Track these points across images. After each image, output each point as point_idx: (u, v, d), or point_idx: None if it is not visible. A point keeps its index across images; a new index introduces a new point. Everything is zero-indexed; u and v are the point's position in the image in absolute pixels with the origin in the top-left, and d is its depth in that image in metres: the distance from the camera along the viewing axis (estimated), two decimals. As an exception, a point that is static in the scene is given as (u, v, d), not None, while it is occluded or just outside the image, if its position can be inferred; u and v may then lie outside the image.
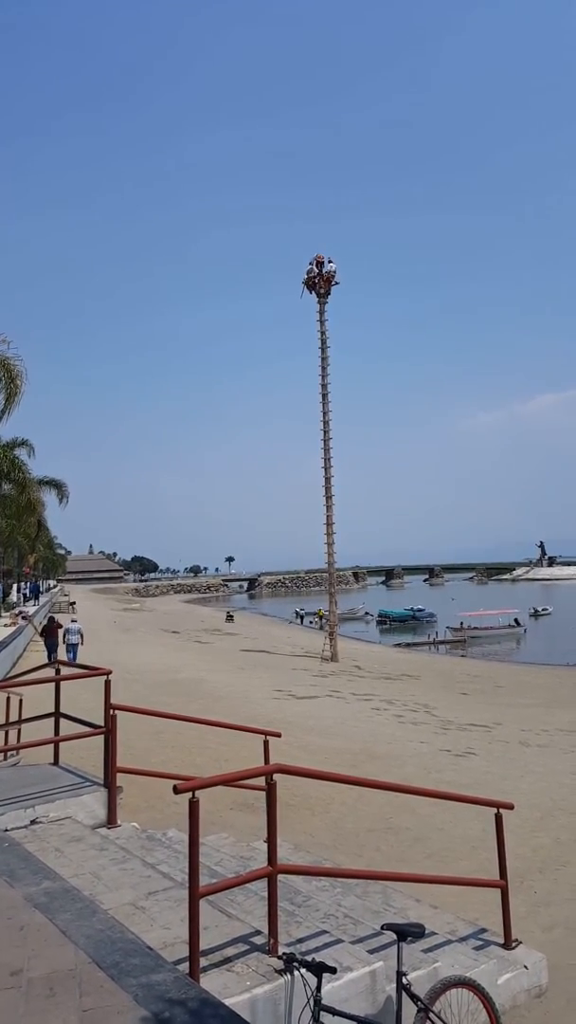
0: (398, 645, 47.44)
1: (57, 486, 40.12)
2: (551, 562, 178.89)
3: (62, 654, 24.79)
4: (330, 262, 36.13)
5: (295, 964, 3.72)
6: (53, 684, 8.01)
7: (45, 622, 28.16)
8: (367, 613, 72.51)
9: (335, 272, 36.19)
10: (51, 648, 25.20)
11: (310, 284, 36.14)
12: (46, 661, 17.29)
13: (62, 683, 8.02)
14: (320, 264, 36.05)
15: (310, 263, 36.30)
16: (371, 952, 4.40)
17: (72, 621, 27.82)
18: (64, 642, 25.90)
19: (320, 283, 35.86)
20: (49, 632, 25.80)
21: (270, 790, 4.18)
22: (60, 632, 26.13)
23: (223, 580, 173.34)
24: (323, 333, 35.76)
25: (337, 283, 36.37)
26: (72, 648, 25.74)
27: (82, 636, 26.66)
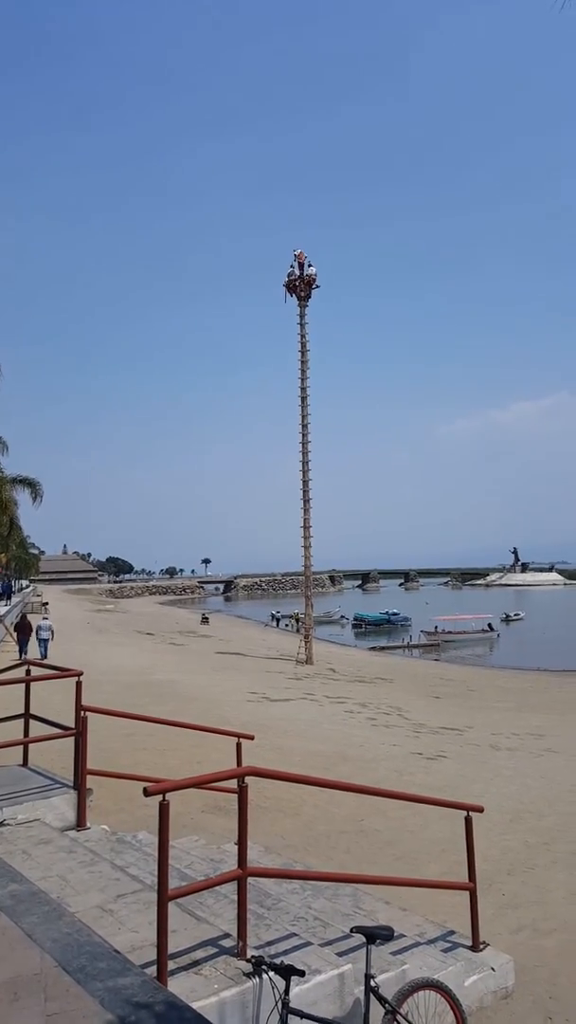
0: (373, 648, 47.64)
1: (31, 485, 39.67)
2: (524, 568, 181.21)
3: (34, 651, 26.29)
4: (310, 265, 36.21)
5: (264, 967, 3.71)
6: (23, 685, 7.93)
7: (18, 619, 29.94)
8: (343, 616, 72.73)
9: (315, 275, 36.27)
10: (22, 644, 26.86)
11: (291, 287, 36.15)
12: (17, 659, 18.29)
13: (33, 684, 7.95)
14: (301, 265, 36.09)
15: (291, 265, 36.36)
16: (340, 955, 4.41)
17: (44, 619, 29.10)
18: (37, 638, 27.40)
19: (301, 286, 35.91)
20: (21, 629, 27.37)
21: (242, 793, 4.17)
22: (33, 630, 27.61)
23: (199, 582, 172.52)
24: (303, 337, 35.80)
25: (318, 286, 36.44)
26: (43, 643, 27.38)
27: (52, 632, 28.23)
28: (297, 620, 64.57)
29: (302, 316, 35.89)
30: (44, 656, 25.65)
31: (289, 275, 36.19)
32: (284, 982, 3.57)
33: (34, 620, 30.14)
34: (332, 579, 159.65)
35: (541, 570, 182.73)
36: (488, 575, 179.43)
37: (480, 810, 6.15)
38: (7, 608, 44.00)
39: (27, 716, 7.90)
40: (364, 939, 4.13)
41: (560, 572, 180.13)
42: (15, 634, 27.75)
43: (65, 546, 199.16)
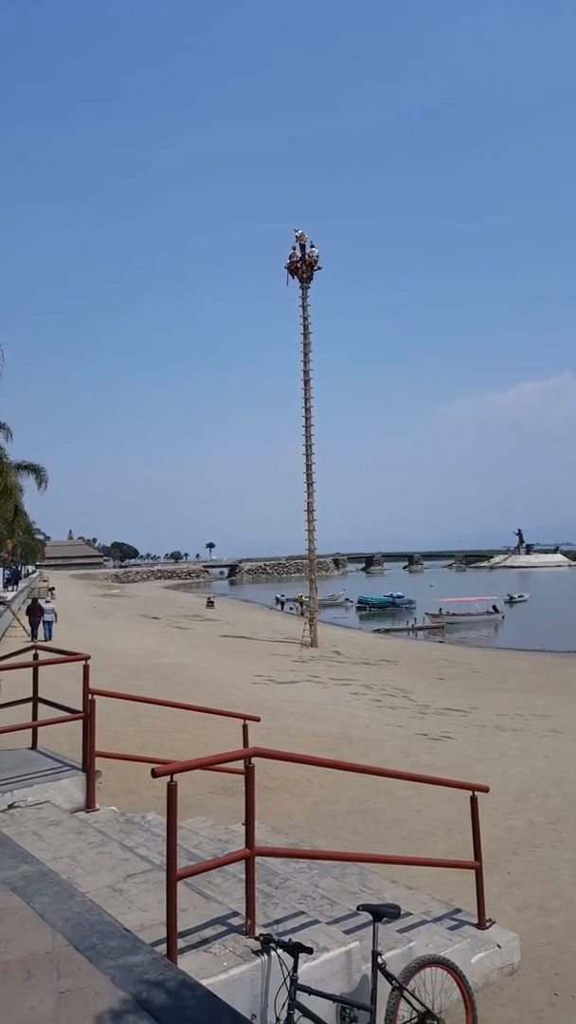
0: (377, 631, 47.72)
1: (35, 471, 39.54)
2: (529, 550, 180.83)
3: (42, 633, 28.92)
4: (312, 246, 35.84)
5: (272, 945, 3.75)
6: (31, 669, 7.98)
7: (29, 603, 32.94)
8: (347, 599, 72.84)
9: (317, 256, 35.90)
10: (34, 625, 29.52)
11: (293, 269, 35.81)
12: (28, 640, 22.32)
13: (41, 668, 7.99)
14: (303, 246, 35.72)
15: (292, 246, 35.98)
16: (347, 932, 4.46)
17: (47, 603, 31.49)
18: (42, 620, 29.88)
19: (303, 267, 35.56)
20: (32, 611, 30.05)
21: (248, 773, 4.20)
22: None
23: (204, 566, 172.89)
24: (305, 319, 35.52)
25: (320, 268, 36.08)
26: (48, 625, 29.68)
27: (56, 615, 30.70)
28: (301, 603, 64.96)
29: (304, 298, 35.58)
30: (48, 638, 27.84)
31: (291, 256, 35.83)
32: (292, 959, 3.61)
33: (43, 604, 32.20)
34: (336, 562, 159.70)
35: (546, 552, 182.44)
36: (492, 557, 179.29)
37: (485, 790, 6.18)
38: (14, 594, 44.22)
39: (35, 700, 7.96)
40: (371, 917, 4.18)
41: (565, 553, 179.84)
42: (27, 616, 30.23)
43: (71, 531, 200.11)
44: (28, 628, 29.18)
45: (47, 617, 29.70)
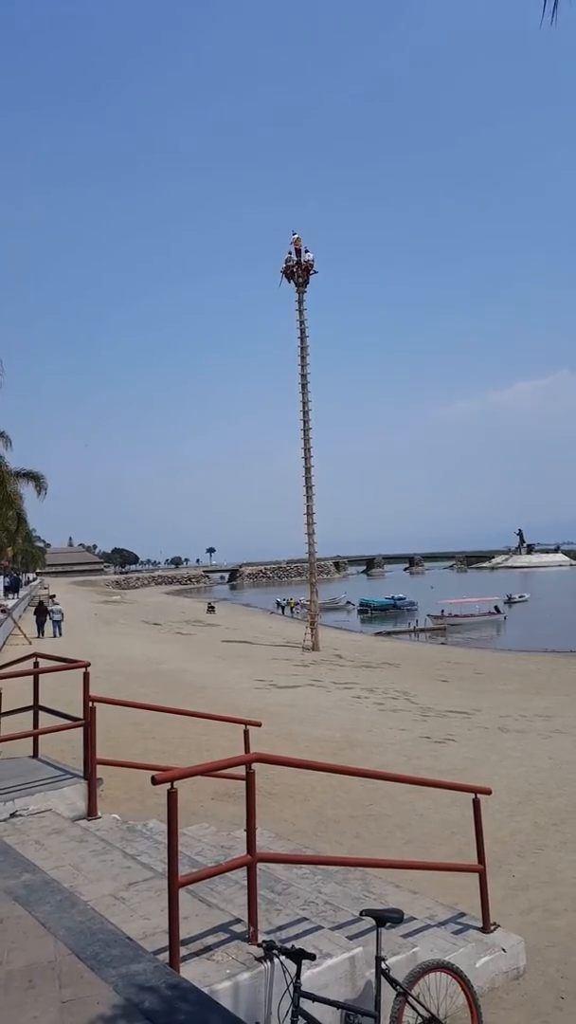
0: (379, 633, 47.69)
1: (35, 478, 39.56)
2: (530, 550, 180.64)
3: (49, 630, 33.21)
4: (307, 251, 35.98)
5: (275, 951, 3.74)
6: (32, 677, 7.97)
7: (36, 604, 38.85)
8: (348, 602, 72.82)
9: (313, 261, 36.04)
10: (41, 624, 33.62)
11: (288, 273, 35.93)
12: (31, 645, 24.49)
13: (43, 676, 7.98)
14: (299, 251, 35.85)
15: (288, 251, 36.11)
16: (350, 938, 4.44)
17: (55, 604, 37.15)
18: (51, 620, 33.95)
19: (298, 272, 35.68)
20: (40, 611, 34.74)
21: (249, 779, 4.19)
22: (48, 614, 34.68)
23: (204, 571, 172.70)
24: (302, 323, 35.60)
25: (315, 272, 36.22)
26: (57, 624, 33.62)
27: (63, 614, 34.89)
28: (292, 607, 65.58)
29: (300, 302, 35.68)
30: (58, 635, 32.48)
31: (287, 261, 35.96)
32: (295, 966, 3.59)
33: (48, 606, 37.01)
34: (337, 565, 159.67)
35: (547, 551, 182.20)
36: (493, 557, 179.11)
37: (488, 792, 6.16)
38: (15, 601, 44.18)
39: (36, 708, 7.96)
40: (374, 922, 4.16)
41: (566, 553, 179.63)
42: (35, 616, 35.04)
43: (71, 538, 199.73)
44: (29, 634, 30.79)
45: (55, 617, 33.57)
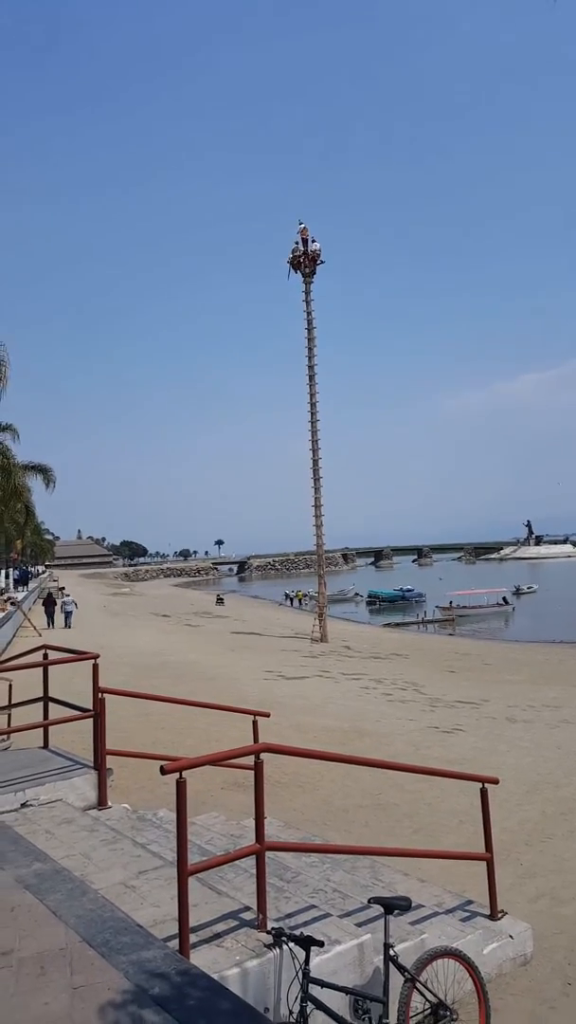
0: (387, 625, 47.72)
1: (43, 471, 39.70)
2: (538, 541, 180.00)
3: (60, 620, 33.62)
4: (313, 241, 35.77)
5: (284, 938, 3.77)
6: (42, 668, 8.03)
7: (45, 595, 39.00)
8: (357, 594, 72.87)
9: (320, 251, 35.83)
10: (50, 615, 34.30)
11: (295, 263, 35.73)
12: (40, 636, 25.07)
13: (52, 668, 8.05)
14: (305, 241, 35.65)
15: (295, 241, 35.93)
16: (359, 925, 4.47)
17: (67, 595, 37.04)
18: (63, 610, 34.09)
19: (305, 262, 35.48)
20: (48, 602, 35.59)
21: (257, 769, 4.22)
22: (58, 603, 35.32)
23: (213, 563, 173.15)
24: (309, 314, 35.45)
25: (323, 262, 36.00)
26: (68, 615, 33.90)
27: (76, 604, 35.46)
28: (300, 599, 65.79)
29: (307, 293, 35.49)
30: (68, 625, 32.89)
31: (293, 251, 35.77)
32: (304, 953, 3.63)
33: (56, 598, 37.91)
34: (345, 557, 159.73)
35: (555, 542, 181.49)
36: (502, 549, 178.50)
37: (496, 782, 6.18)
38: (24, 594, 44.44)
39: (46, 699, 8.02)
40: (383, 910, 4.20)
41: (575, 544, 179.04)
42: (43, 607, 35.35)
43: (79, 531, 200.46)
44: (39, 626, 30.64)
45: (68, 608, 33.95)
